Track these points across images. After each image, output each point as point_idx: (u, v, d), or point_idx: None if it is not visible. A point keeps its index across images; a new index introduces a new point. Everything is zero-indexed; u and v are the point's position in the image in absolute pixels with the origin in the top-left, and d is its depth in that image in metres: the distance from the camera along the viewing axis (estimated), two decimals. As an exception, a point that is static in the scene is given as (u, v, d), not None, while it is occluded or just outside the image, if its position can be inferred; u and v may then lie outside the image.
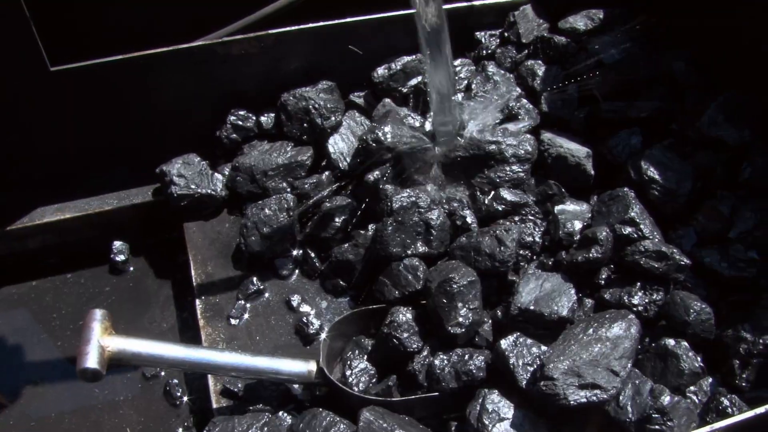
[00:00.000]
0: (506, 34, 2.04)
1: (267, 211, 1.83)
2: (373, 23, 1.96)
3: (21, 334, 1.85)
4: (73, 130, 1.86)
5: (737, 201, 1.67)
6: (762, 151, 1.70)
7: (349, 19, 1.94)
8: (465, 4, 2.01)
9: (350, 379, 1.62)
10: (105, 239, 1.97)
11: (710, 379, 1.53)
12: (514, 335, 1.54)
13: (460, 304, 1.58)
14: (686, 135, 1.75)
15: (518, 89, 1.96)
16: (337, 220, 1.84)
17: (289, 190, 1.91)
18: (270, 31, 1.89)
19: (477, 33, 2.06)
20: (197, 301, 1.80)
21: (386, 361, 1.63)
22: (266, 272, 1.86)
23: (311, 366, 1.61)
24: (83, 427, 1.71)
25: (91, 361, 1.43)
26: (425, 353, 1.59)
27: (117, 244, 1.97)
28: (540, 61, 1.97)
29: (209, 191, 1.92)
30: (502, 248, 1.64)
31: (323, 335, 1.67)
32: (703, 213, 1.66)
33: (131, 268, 1.99)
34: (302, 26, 1.90)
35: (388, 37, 1.99)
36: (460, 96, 1.96)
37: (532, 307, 1.56)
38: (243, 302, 1.80)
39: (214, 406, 1.65)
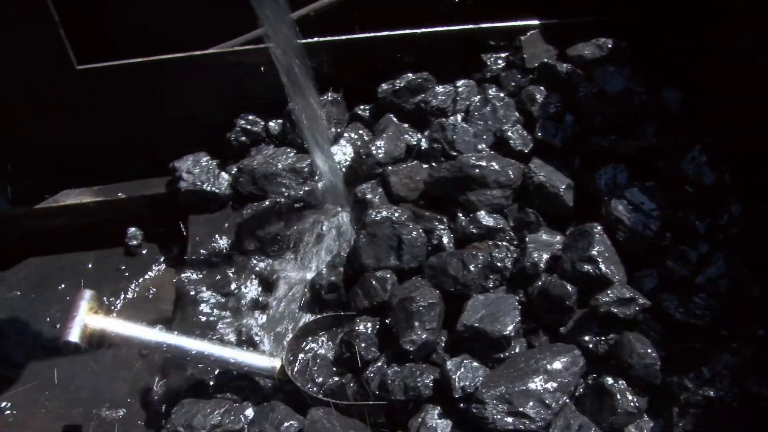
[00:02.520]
0: (512, 58, 2.10)
1: (260, 212, 1.98)
2: (381, 40, 2.06)
3: (35, 301, 2.08)
4: (96, 124, 2.05)
5: (711, 247, 1.69)
6: (740, 198, 1.72)
7: (357, 35, 2.05)
8: (473, 26, 2.08)
9: (315, 373, 1.75)
10: (121, 223, 2.17)
11: (651, 423, 1.57)
12: (462, 357, 1.63)
13: (417, 323, 1.68)
14: (669, 175, 1.78)
15: (516, 114, 2.01)
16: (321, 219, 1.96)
17: (286, 194, 2.04)
18: (280, 43, 2.02)
19: (483, 55, 2.12)
20: (188, 288, 1.96)
21: (345, 364, 1.75)
22: (259, 267, 1.99)
23: (275, 362, 1.75)
24: (75, 394, 1.92)
25: (73, 335, 1.64)
26: (380, 363, 1.70)
27: (132, 230, 2.17)
28: (542, 87, 2.01)
29: (214, 189, 2.07)
30: (465, 272, 1.72)
31: (291, 334, 1.80)
32: (671, 256, 1.69)
33: (143, 252, 2.19)
34: (311, 40, 2.02)
35: (395, 53, 2.09)
36: (459, 117, 2.04)
37: (476, 325, 1.64)
38: (228, 297, 1.94)
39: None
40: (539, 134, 1.96)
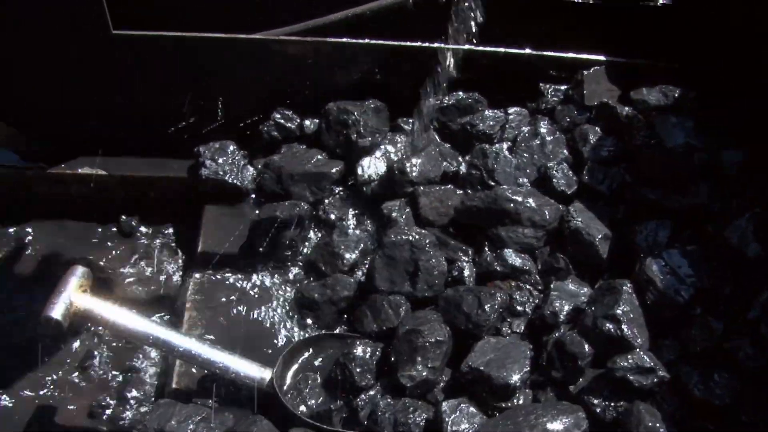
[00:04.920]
0: (570, 92, 2.13)
1: (278, 214, 2.03)
2: (435, 51, 2.10)
3: (37, 265, 2.17)
4: (125, 95, 2.14)
5: (742, 323, 1.69)
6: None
7: (410, 43, 2.10)
8: (535, 52, 2.12)
9: (304, 391, 1.79)
10: (135, 201, 2.24)
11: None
12: (460, 399, 1.66)
13: (419, 359, 1.72)
14: (712, 241, 1.79)
15: (566, 152, 2.05)
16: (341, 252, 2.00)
17: (311, 199, 2.09)
18: (328, 39, 2.08)
19: (541, 84, 2.15)
20: (191, 282, 2.03)
21: (337, 387, 1.79)
22: (268, 271, 2.06)
23: (265, 374, 1.79)
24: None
25: (56, 312, 1.69)
26: (373, 392, 1.74)
27: (124, 218, 2.25)
28: (598, 128, 2.04)
29: (236, 182, 2.14)
30: (479, 311, 1.76)
31: (287, 349, 1.85)
32: (697, 326, 1.70)
33: (150, 233, 2.26)
34: (360, 41, 2.08)
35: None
36: (505, 145, 2.07)
37: (482, 368, 1.67)
38: (236, 296, 2.00)
39: (173, 386, 1.87)
40: (586, 177, 1.99)
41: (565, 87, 2.16)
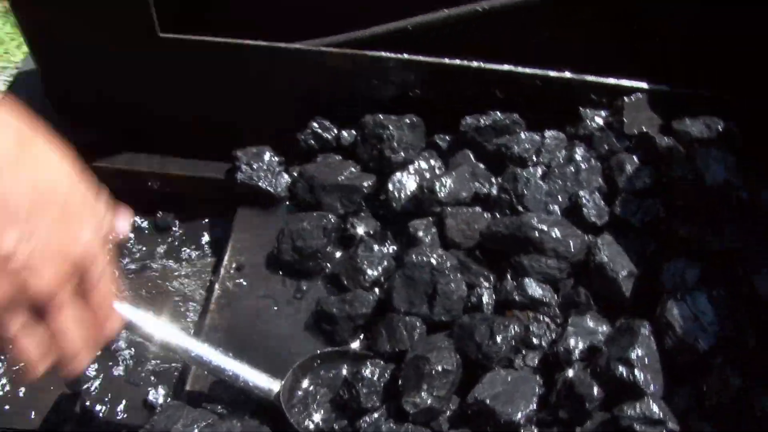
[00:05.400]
0: (611, 119, 2.05)
1: (305, 224, 2.03)
2: (474, 70, 2.06)
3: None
4: (168, 95, 2.16)
5: (763, 378, 1.62)
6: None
7: (448, 60, 2.06)
8: (575, 75, 2.05)
9: (311, 407, 1.79)
10: (170, 199, 2.27)
11: None
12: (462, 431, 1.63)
13: (424, 386, 1.69)
14: (742, 286, 1.72)
15: (600, 181, 1.98)
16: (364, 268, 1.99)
17: (341, 211, 2.08)
18: (367, 52, 2.06)
19: (581, 109, 2.08)
20: (216, 285, 2.04)
21: (341, 407, 1.79)
22: (291, 281, 2.06)
23: (274, 385, 1.79)
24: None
25: None
26: (377, 414, 1.72)
27: (160, 213, 2.28)
28: (635, 157, 1.97)
29: (269, 188, 2.14)
30: (490, 342, 1.72)
31: (298, 362, 1.84)
32: (714, 378, 1.63)
33: (182, 233, 2.28)
34: (400, 56, 2.06)
35: (487, 87, 2.09)
36: (539, 170, 2.02)
37: (487, 401, 1.63)
38: (258, 303, 2.01)
39: (187, 387, 1.89)
40: (618, 209, 1.91)
41: (606, 113, 2.09)
